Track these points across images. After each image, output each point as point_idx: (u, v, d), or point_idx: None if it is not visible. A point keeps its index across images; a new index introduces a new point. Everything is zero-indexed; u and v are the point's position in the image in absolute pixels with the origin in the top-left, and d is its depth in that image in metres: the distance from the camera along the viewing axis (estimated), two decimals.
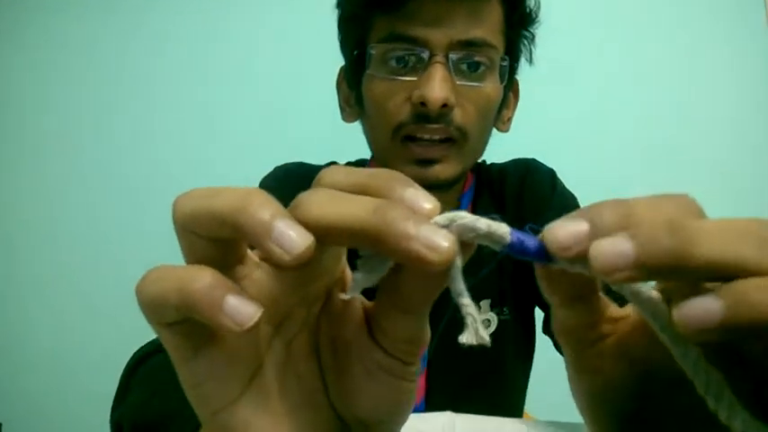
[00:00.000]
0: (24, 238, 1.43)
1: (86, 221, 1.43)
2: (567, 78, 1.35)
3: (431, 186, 0.53)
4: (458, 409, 0.61)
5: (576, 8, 1.40)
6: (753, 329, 0.16)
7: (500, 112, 0.66)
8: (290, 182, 0.73)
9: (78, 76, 1.46)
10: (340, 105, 0.69)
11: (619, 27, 1.42)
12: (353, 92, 0.66)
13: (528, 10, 0.63)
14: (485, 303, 0.69)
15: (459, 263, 0.20)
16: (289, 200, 0.53)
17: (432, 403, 0.69)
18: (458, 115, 0.57)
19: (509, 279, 0.71)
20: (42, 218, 1.44)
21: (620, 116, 1.38)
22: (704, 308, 0.16)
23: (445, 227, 0.19)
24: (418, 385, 0.67)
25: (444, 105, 0.56)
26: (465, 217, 0.20)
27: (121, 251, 1.41)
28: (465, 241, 0.20)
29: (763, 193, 1.38)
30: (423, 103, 0.55)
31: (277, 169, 0.75)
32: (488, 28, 0.58)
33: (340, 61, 0.71)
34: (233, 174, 1.42)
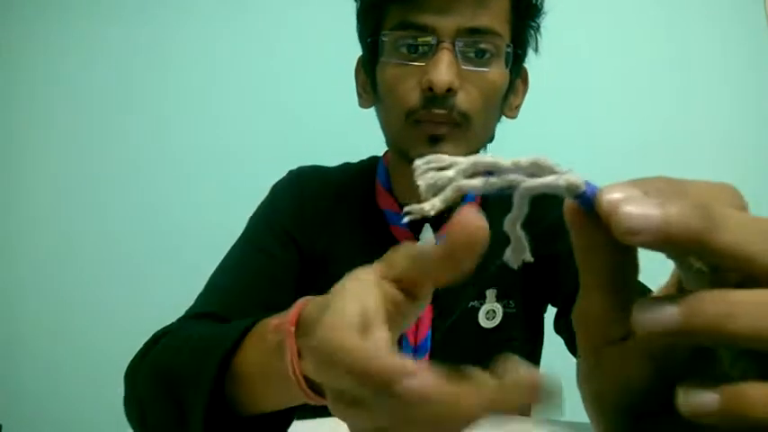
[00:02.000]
0: (25, 238, 1.43)
1: (89, 221, 1.43)
2: (562, 77, 1.35)
3: None
4: None
5: (575, 7, 1.40)
6: (707, 340, 0.17)
7: (507, 99, 0.68)
8: (303, 185, 0.76)
9: (88, 77, 1.46)
10: (357, 92, 0.73)
11: (618, 27, 1.42)
12: (369, 78, 0.69)
13: (534, 1, 0.66)
14: (491, 293, 0.70)
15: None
16: (304, 202, 0.60)
17: None
18: (461, 99, 0.61)
19: (519, 274, 0.71)
20: (44, 218, 1.44)
21: (618, 116, 1.38)
22: (660, 313, 0.17)
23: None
24: None
25: (449, 90, 0.59)
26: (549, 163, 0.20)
27: (123, 252, 1.41)
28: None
29: (764, 194, 1.38)
30: (430, 88, 0.59)
31: (291, 173, 0.78)
32: (494, 16, 0.61)
33: (349, 59, 0.74)
34: (243, 172, 1.42)
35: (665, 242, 0.17)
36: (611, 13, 1.42)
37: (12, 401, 1.37)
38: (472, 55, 0.61)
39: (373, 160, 0.79)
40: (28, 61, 1.47)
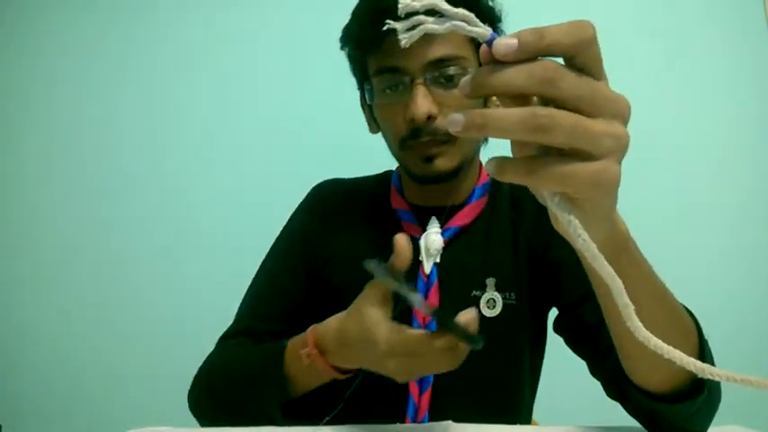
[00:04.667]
0: (25, 238, 1.43)
1: (89, 222, 1.43)
2: None
3: (436, 178, 0.73)
4: (459, 416, 0.61)
5: (575, 9, 1.40)
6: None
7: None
8: (321, 196, 0.87)
9: (81, 78, 1.47)
10: (366, 121, 0.82)
11: (617, 28, 1.42)
12: (369, 114, 0.81)
13: (488, 17, 0.75)
14: (490, 281, 0.73)
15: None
16: (328, 216, 0.79)
17: (435, 418, 0.70)
18: (442, 122, 0.69)
19: (524, 268, 0.76)
20: (44, 218, 1.44)
21: None
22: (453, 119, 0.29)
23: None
24: (421, 404, 0.69)
25: (429, 117, 0.68)
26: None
27: (123, 254, 1.41)
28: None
29: (763, 194, 1.38)
30: (413, 120, 0.68)
31: (313, 187, 0.89)
32: (453, 43, 0.69)
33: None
34: (241, 174, 1.42)
35: (517, 53, 0.29)
36: (609, 13, 1.43)
37: (12, 401, 1.37)
38: (443, 81, 0.69)
39: (388, 173, 0.89)
40: (28, 62, 1.47)
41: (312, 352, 0.58)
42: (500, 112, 0.29)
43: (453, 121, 0.29)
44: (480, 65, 0.30)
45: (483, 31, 0.30)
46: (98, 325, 1.39)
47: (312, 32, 1.43)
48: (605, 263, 0.32)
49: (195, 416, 0.71)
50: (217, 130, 1.45)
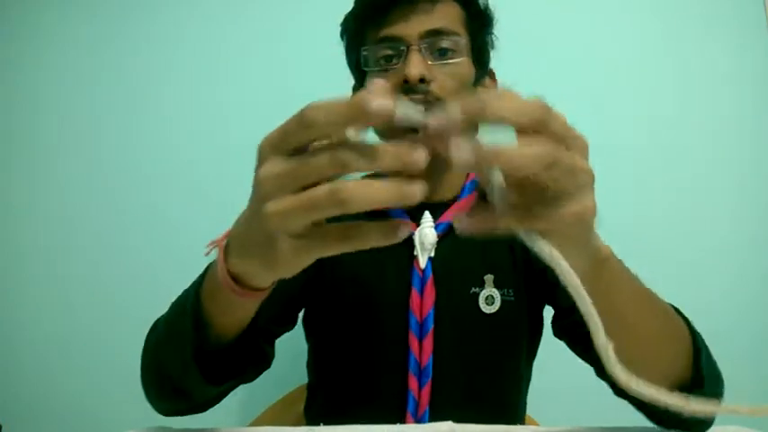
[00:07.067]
0: (27, 239, 1.44)
1: (92, 221, 1.43)
2: (565, 79, 1.36)
3: None
4: (459, 411, 0.61)
5: (575, 7, 1.40)
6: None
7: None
8: None
9: (90, 76, 1.47)
10: None
11: (617, 27, 1.42)
12: None
13: (482, 8, 0.80)
14: (488, 278, 0.74)
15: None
16: None
17: (435, 412, 0.70)
18: (435, 87, 0.73)
19: (521, 266, 0.77)
20: (45, 218, 1.44)
21: (617, 117, 1.38)
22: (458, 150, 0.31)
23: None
24: (421, 398, 0.70)
25: (422, 80, 0.71)
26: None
27: (124, 252, 1.41)
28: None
29: (763, 194, 1.38)
30: (406, 81, 0.71)
31: None
32: (448, 20, 0.75)
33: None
34: (246, 174, 1.42)
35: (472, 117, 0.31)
36: (609, 13, 1.43)
37: (12, 401, 1.37)
38: (437, 53, 0.74)
39: (375, 176, 0.86)
40: (32, 59, 1.48)
41: (220, 243, 0.43)
42: (514, 149, 0.30)
43: (461, 156, 0.30)
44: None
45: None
46: (99, 325, 1.39)
47: (328, 35, 1.44)
48: (585, 295, 0.32)
49: (146, 396, 0.66)
50: (231, 131, 1.45)
